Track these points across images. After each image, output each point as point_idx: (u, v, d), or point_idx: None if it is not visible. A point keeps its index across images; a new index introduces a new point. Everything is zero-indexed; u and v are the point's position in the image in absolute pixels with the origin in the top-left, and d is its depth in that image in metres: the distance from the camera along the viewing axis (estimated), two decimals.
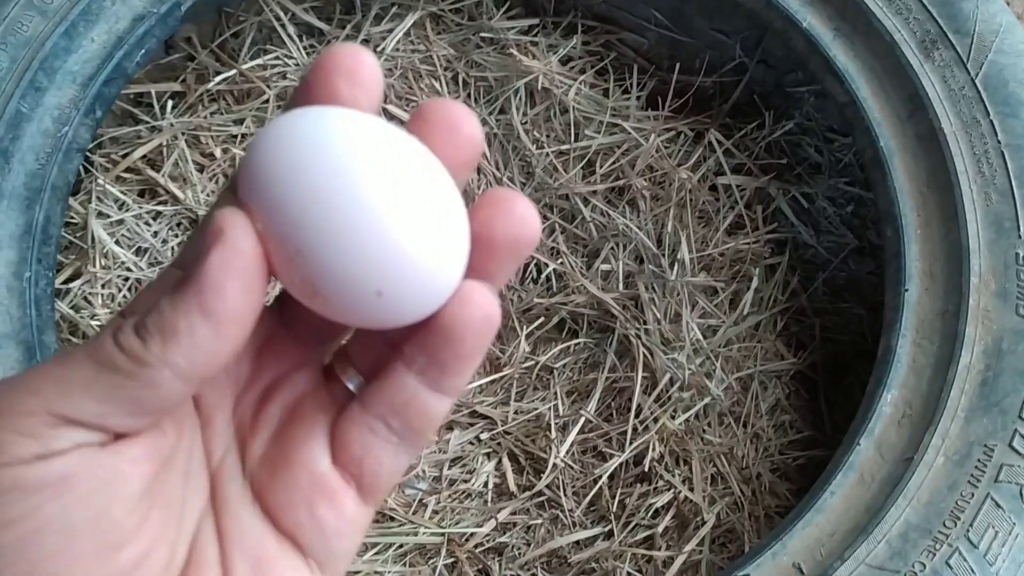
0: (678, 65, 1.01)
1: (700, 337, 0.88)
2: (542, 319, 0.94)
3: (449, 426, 0.91)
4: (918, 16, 0.76)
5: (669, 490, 0.81)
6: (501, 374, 0.93)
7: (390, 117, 1.02)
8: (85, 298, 0.89)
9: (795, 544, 0.61)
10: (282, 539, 0.29)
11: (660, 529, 0.80)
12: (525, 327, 0.94)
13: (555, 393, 0.90)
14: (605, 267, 0.94)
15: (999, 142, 0.71)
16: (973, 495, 0.59)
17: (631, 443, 0.83)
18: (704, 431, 0.84)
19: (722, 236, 0.92)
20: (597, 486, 0.82)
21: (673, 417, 0.84)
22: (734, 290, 0.91)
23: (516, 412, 0.90)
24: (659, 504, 0.81)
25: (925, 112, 0.74)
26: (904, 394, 0.65)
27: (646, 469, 0.81)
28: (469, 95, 1.03)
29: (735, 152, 0.96)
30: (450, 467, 0.89)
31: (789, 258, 0.92)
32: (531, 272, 0.97)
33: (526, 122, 1.00)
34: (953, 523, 0.58)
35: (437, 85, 1.02)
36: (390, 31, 1.01)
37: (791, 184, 0.94)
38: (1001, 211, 0.68)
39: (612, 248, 0.94)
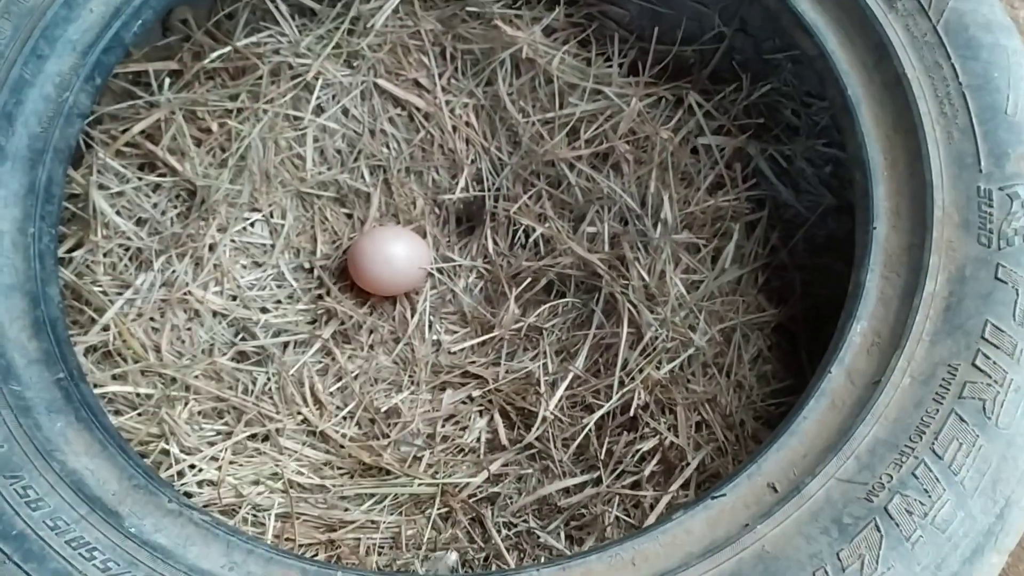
0: (659, 32, 1.04)
1: (683, 292, 0.91)
2: (530, 281, 0.97)
3: (442, 386, 0.94)
4: None
5: (655, 436, 0.83)
6: (492, 335, 0.96)
7: (381, 92, 1.05)
8: (88, 266, 0.92)
9: (769, 465, 0.63)
10: None
11: (646, 474, 0.82)
12: (514, 290, 0.97)
13: (544, 352, 0.93)
14: (591, 229, 0.97)
15: (960, 84, 0.73)
16: (938, 411, 0.61)
17: (618, 394, 0.86)
18: (688, 380, 0.87)
19: (703, 195, 0.95)
20: (583, 433, 0.84)
21: (658, 368, 0.86)
22: (716, 246, 0.93)
23: (507, 371, 0.93)
24: (645, 449, 0.83)
25: (890, 60, 0.77)
26: (873, 324, 0.68)
27: (632, 415, 0.84)
28: (456, 68, 1.06)
29: (715, 114, 0.99)
30: (443, 425, 0.92)
31: (769, 216, 0.95)
32: (519, 238, 1.00)
33: (512, 92, 1.03)
34: (919, 437, 0.60)
35: (425, 59, 1.06)
36: (380, 8, 1.04)
37: (769, 144, 0.97)
38: (963, 148, 0.71)
39: (597, 211, 0.97)
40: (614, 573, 0.60)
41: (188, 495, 0.80)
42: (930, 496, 0.58)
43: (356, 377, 0.94)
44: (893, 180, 0.73)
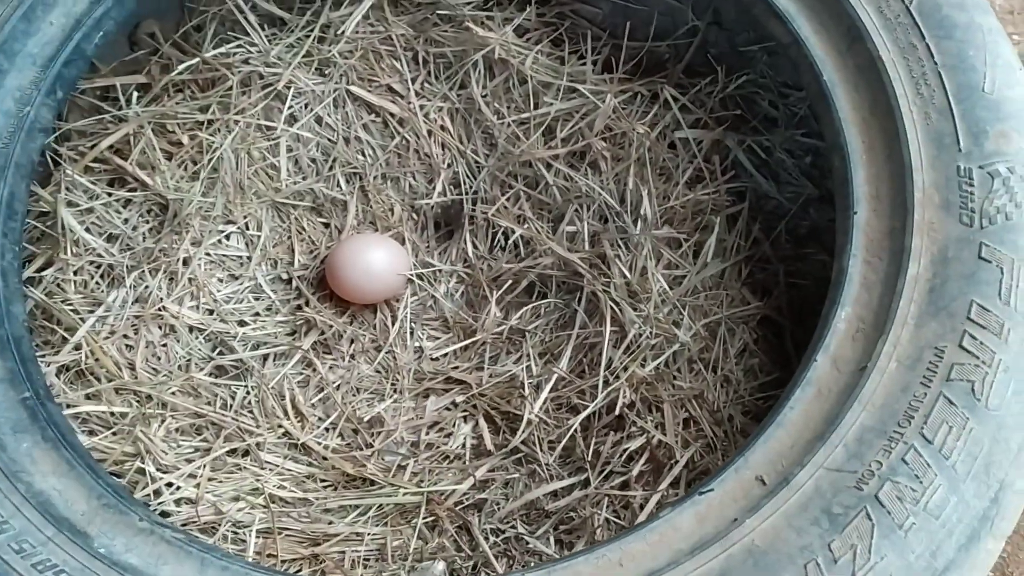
0: (632, 28, 1.03)
1: (666, 288, 0.89)
2: (511, 283, 0.95)
3: (425, 393, 0.92)
4: None
5: (642, 435, 0.81)
6: (474, 339, 0.94)
7: (354, 98, 1.04)
8: (58, 285, 0.90)
9: (756, 458, 0.62)
10: None
11: (635, 474, 0.80)
12: (495, 293, 0.95)
13: (527, 354, 0.91)
14: (570, 229, 0.96)
15: (936, 63, 0.72)
16: (926, 395, 0.60)
17: (603, 393, 0.84)
18: (675, 377, 0.85)
19: (682, 189, 0.94)
20: (569, 434, 0.82)
21: (643, 365, 0.85)
22: (697, 240, 0.92)
23: (491, 375, 0.91)
24: (632, 449, 0.81)
25: (864, 43, 0.76)
26: (857, 310, 0.67)
27: (618, 415, 0.82)
28: (429, 72, 1.05)
29: (691, 108, 0.98)
30: (428, 432, 0.90)
31: (750, 208, 0.93)
32: (499, 240, 0.98)
33: (486, 94, 1.02)
34: (908, 422, 0.59)
35: (397, 64, 1.04)
36: (350, 14, 1.03)
37: (747, 136, 0.95)
38: (941, 128, 0.70)
39: (576, 210, 0.96)
40: (602, 574, 0.58)
41: (165, 514, 0.78)
42: (921, 482, 0.56)
43: (338, 387, 0.92)
44: (872, 164, 0.72)
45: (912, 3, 0.75)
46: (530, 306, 0.94)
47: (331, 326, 0.94)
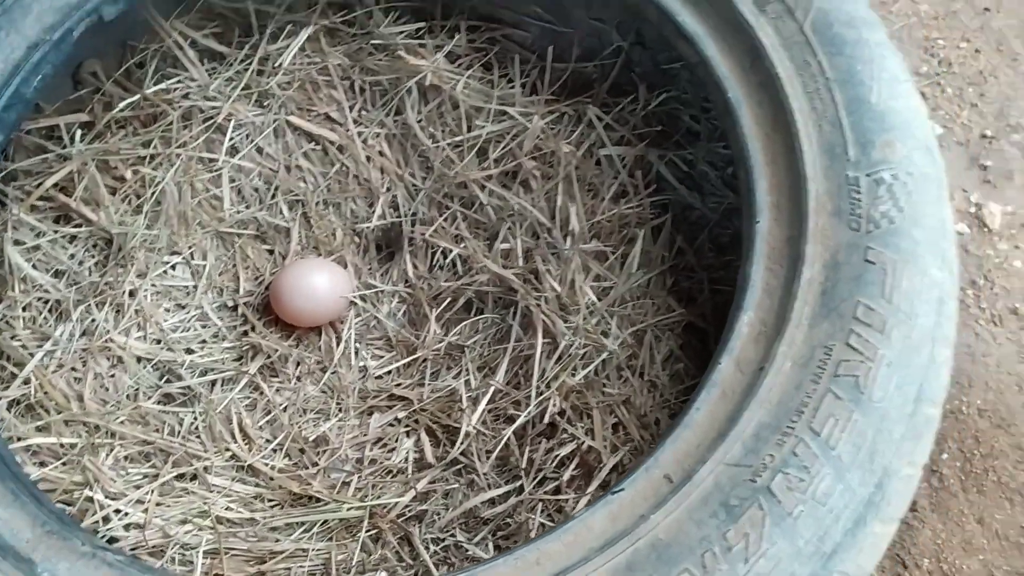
0: (559, 50, 1.07)
1: (594, 299, 0.93)
2: (450, 300, 0.99)
3: (369, 411, 0.96)
4: None
5: (572, 441, 0.85)
6: (416, 356, 0.97)
7: (294, 128, 1.07)
8: (7, 322, 0.93)
9: (665, 458, 0.65)
10: None
11: (566, 478, 0.84)
12: (435, 311, 0.98)
13: (466, 368, 0.95)
14: (505, 246, 0.99)
15: (827, 78, 0.77)
16: (815, 391, 0.63)
17: (535, 403, 0.87)
18: (603, 384, 0.89)
19: (608, 204, 0.98)
20: (503, 442, 0.86)
21: (573, 374, 0.88)
22: (623, 252, 0.96)
23: (432, 391, 0.95)
24: (564, 455, 0.85)
25: (763, 61, 0.80)
26: (759, 314, 0.70)
27: (550, 423, 0.86)
28: (366, 100, 1.08)
29: (615, 126, 1.02)
30: (371, 448, 0.93)
31: (675, 219, 0.98)
32: (438, 260, 1.02)
33: (421, 119, 1.06)
34: (798, 417, 0.63)
35: (335, 93, 1.08)
36: (287, 46, 1.07)
37: (670, 150, 1.00)
38: (832, 139, 0.74)
39: (510, 227, 1.00)
40: (520, 574, 0.62)
41: (114, 540, 0.81)
42: (809, 472, 0.60)
43: (285, 409, 0.95)
44: (774, 176, 0.76)
45: (806, 22, 0.80)
46: (468, 322, 0.98)
47: (277, 350, 0.97)
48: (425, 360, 0.97)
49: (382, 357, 0.99)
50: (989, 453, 1.35)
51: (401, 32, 1.07)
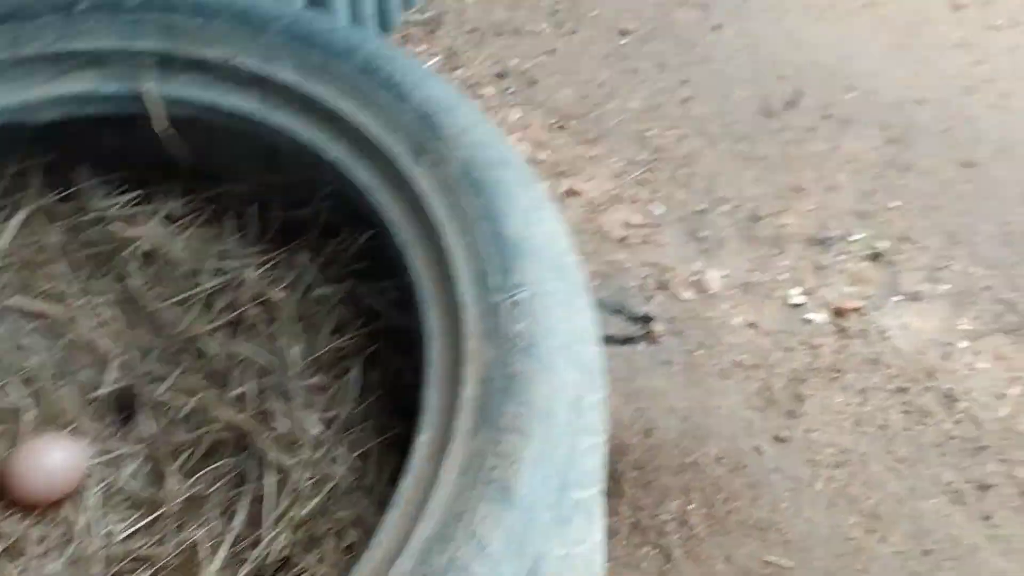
0: (274, 201, 1.16)
1: (321, 429, 1.00)
2: (190, 452, 1.03)
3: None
4: (409, 132, 0.95)
5: (305, 572, 0.91)
6: (158, 513, 1.01)
7: (16, 311, 1.10)
8: None
9: (363, 571, 0.73)
10: None
11: None
12: (175, 465, 1.03)
13: (207, 519, 0.99)
14: (236, 391, 1.06)
15: (474, 217, 0.89)
16: (472, 497, 0.73)
17: (272, 541, 0.93)
18: (335, 511, 0.96)
19: (327, 339, 1.06)
20: None
21: (304, 506, 0.95)
22: (345, 381, 1.04)
23: (175, 545, 0.98)
24: None
25: (423, 206, 0.92)
26: (432, 434, 0.80)
27: (282, 556, 0.91)
28: (89, 271, 1.13)
29: (328, 265, 1.12)
30: None
31: (390, 344, 1.07)
32: (174, 414, 1.06)
33: (146, 282, 1.11)
34: (458, 524, 0.72)
35: (56, 268, 1.12)
36: (3, 229, 1.10)
37: (379, 282, 1.10)
38: (480, 270, 0.87)
39: (240, 374, 1.06)
40: None
41: None
42: (468, 573, 0.69)
43: None
44: (439, 306, 0.87)
45: (454, 170, 0.93)
46: (209, 471, 1.02)
47: (17, 530, 0.98)
48: (168, 516, 1.00)
49: (127, 520, 1.02)
50: (729, 496, 1.51)
51: (115, 204, 1.13)
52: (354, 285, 1.09)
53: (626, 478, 1.53)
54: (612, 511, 1.49)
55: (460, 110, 0.96)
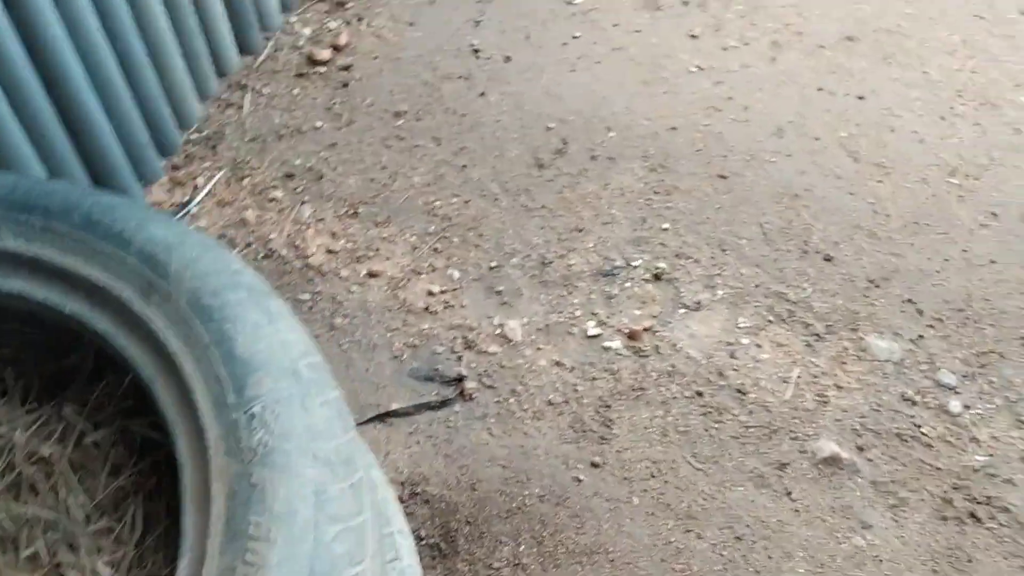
0: (40, 356, 1.19)
1: (111, 572, 1.03)
2: None
3: None
4: (135, 275, 1.01)
5: None
6: None
7: None
8: None
9: None
10: None
11: None
12: None
13: None
14: (29, 552, 1.07)
15: (207, 343, 0.96)
16: None
17: None
18: None
19: (107, 480, 1.10)
20: None
21: None
22: (131, 517, 1.08)
23: None
24: None
25: (159, 342, 0.98)
26: (191, 555, 0.85)
27: None
28: None
29: (97, 410, 1.15)
30: None
31: (171, 473, 1.11)
32: None
33: None
34: None
35: None
36: None
37: (150, 416, 1.14)
38: (218, 391, 0.93)
39: (29, 533, 1.08)
40: None
41: None
42: None
43: None
44: (187, 432, 0.93)
45: (182, 302, 0.99)
46: None
47: None
48: None
49: None
50: (556, 530, 1.61)
51: None
52: (126, 423, 1.13)
53: (460, 535, 1.61)
54: (450, 570, 1.56)
55: (185, 245, 1.03)
